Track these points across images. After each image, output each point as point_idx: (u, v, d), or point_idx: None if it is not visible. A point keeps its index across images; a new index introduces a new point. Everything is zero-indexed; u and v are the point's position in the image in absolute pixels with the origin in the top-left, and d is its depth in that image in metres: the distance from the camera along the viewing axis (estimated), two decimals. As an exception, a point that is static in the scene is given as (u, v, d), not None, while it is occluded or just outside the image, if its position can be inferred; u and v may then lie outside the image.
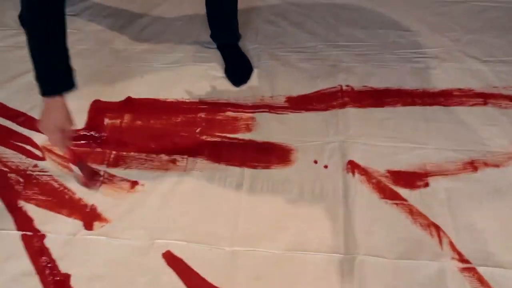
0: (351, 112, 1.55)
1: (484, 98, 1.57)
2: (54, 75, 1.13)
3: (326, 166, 1.42)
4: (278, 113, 1.56)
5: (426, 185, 1.37)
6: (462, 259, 1.21)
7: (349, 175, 1.39)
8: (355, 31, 1.81)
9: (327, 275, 1.20)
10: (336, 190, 1.36)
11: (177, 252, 1.25)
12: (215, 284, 1.19)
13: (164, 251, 1.25)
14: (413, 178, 1.39)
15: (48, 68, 1.12)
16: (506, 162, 1.40)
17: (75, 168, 1.33)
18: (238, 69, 1.68)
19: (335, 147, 1.46)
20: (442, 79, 1.63)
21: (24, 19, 1.28)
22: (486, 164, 1.39)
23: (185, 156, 1.45)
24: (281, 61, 1.71)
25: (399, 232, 1.27)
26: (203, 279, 1.20)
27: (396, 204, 1.33)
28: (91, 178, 1.37)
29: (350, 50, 1.74)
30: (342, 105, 1.57)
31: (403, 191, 1.36)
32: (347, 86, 1.63)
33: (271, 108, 1.57)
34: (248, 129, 1.52)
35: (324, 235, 1.27)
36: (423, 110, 1.54)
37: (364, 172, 1.40)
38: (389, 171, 1.40)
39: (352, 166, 1.41)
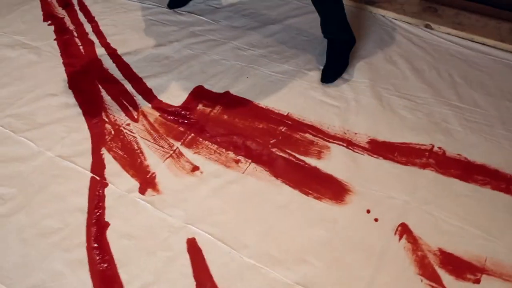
0: (431, 175, 1.44)
1: None
2: None
3: (376, 219, 1.35)
4: (354, 151, 1.52)
5: (477, 281, 1.22)
6: None
7: (395, 237, 1.31)
8: (477, 95, 1.66)
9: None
10: (374, 247, 1.29)
11: (200, 243, 1.32)
12: (219, 285, 1.23)
13: (190, 237, 1.33)
14: (465, 268, 1.25)
15: None
16: None
17: None
18: (329, 67, 1.74)
19: (395, 204, 1.38)
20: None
21: None
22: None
23: (249, 161, 1.50)
24: (383, 102, 1.65)
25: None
26: (210, 276, 1.25)
27: (432, 287, 1.22)
28: None
29: (461, 113, 1.60)
30: (424, 166, 1.47)
31: (447, 278, 1.23)
32: (439, 148, 1.51)
33: (350, 144, 1.54)
34: (319, 156, 1.51)
35: (340, 285, 1.22)
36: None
37: (413, 240, 1.30)
38: (440, 250, 1.28)
39: (403, 230, 1.32)
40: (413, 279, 1.23)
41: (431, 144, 1.53)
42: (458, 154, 1.50)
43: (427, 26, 1.94)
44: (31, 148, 1.56)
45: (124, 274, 1.26)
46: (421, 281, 1.23)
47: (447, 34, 1.89)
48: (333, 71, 1.73)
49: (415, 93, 1.68)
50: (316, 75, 1.75)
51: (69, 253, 1.30)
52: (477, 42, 1.84)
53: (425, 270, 1.24)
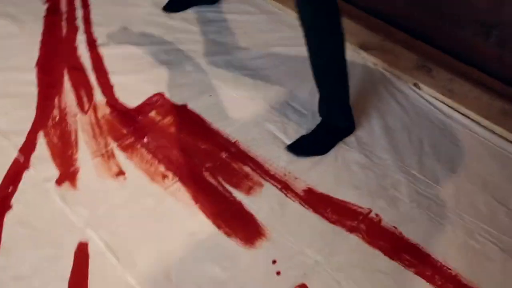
0: (354, 242, 1.33)
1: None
2: None
3: (278, 273, 1.26)
4: (287, 196, 1.43)
5: None
6: None
7: (292, 296, 1.21)
8: (440, 169, 1.53)
9: None
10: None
11: (91, 248, 1.27)
12: None
13: (83, 241, 1.27)
14: None
15: None
16: None
17: None
18: (308, 141, 1.57)
19: (305, 262, 1.28)
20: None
21: None
22: None
23: (176, 179, 1.44)
24: (338, 153, 1.55)
25: None
26: (86, 286, 1.19)
27: None
28: None
29: (415, 185, 1.48)
30: (352, 230, 1.36)
31: None
32: (376, 215, 1.40)
33: (285, 187, 1.45)
34: (248, 192, 1.43)
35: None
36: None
37: (306, 306, 1.19)
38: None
39: (301, 291, 1.22)
40: None
41: (369, 208, 1.41)
42: (394, 227, 1.38)
43: (415, 85, 1.82)
44: (-26, 115, 1.56)
45: (2, 261, 1.22)
46: None
47: (434, 98, 1.77)
48: (307, 148, 1.54)
49: (376, 152, 1.57)
50: (281, 109, 1.68)
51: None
52: (461, 113, 1.71)
53: None
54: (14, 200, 1.35)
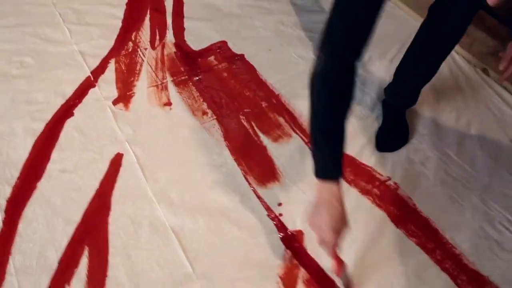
0: (364, 202, 1.35)
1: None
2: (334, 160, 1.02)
3: (280, 215, 1.33)
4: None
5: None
6: None
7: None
8: (480, 154, 1.47)
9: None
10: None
11: (124, 160, 1.44)
12: (112, 198, 1.35)
13: (120, 152, 1.45)
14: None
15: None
16: None
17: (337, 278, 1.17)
18: (391, 134, 1.51)
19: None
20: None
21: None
22: None
23: (215, 117, 1.56)
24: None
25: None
26: (112, 188, 1.37)
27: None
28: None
29: (446, 165, 1.44)
30: (366, 192, 1.37)
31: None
32: (395, 183, 1.39)
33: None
34: (276, 140, 1.51)
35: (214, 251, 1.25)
36: None
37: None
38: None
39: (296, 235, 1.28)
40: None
41: (389, 176, 1.41)
42: (409, 198, 1.37)
43: (484, 70, 1.73)
44: (66, 37, 1.82)
45: (55, 155, 1.44)
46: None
47: (501, 87, 1.67)
48: (393, 143, 1.49)
49: (416, 125, 1.55)
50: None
51: (33, 121, 1.52)
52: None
53: (288, 277, 1.20)
54: (76, 110, 1.57)
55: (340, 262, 1.09)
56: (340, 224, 1.01)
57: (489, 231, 1.30)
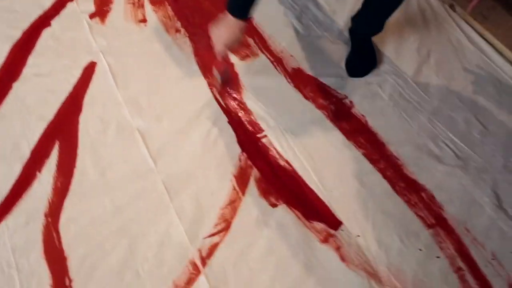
0: (319, 116, 1.45)
1: None
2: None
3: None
4: (276, 68, 1.56)
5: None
6: None
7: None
8: (435, 81, 1.55)
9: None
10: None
11: (98, 68, 1.52)
12: (85, 100, 1.44)
13: (93, 60, 1.53)
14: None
15: None
16: None
17: (216, 72, 1.44)
18: (360, 60, 1.59)
19: (267, 123, 1.43)
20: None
21: None
22: None
23: (187, 35, 1.63)
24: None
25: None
26: (84, 92, 1.46)
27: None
28: (225, 86, 1.47)
29: (401, 87, 1.53)
30: (322, 107, 1.47)
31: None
32: (351, 102, 1.49)
33: (278, 61, 1.57)
34: (243, 58, 1.58)
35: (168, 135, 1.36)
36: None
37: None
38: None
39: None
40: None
41: (345, 95, 1.50)
42: (362, 115, 1.46)
43: (451, 6, 1.80)
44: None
45: (31, 61, 1.52)
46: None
47: (464, 21, 1.74)
48: (362, 68, 1.58)
49: (378, 53, 1.63)
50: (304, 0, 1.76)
51: (10, 29, 1.59)
52: (485, 39, 1.67)
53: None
54: (53, 21, 1.63)
55: (224, 63, 1.39)
56: (234, 43, 1.28)
57: (432, 147, 1.40)
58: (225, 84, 1.47)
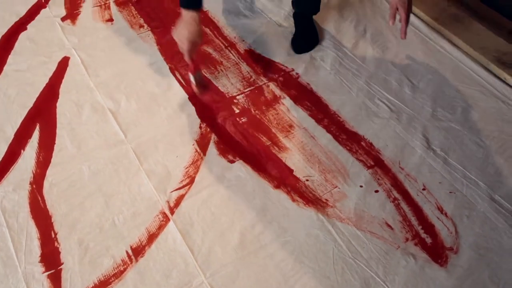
0: (270, 87, 1.64)
1: None
2: None
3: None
4: (230, 51, 1.76)
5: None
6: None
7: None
8: (373, 50, 1.76)
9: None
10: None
11: (71, 62, 1.70)
12: (60, 92, 1.62)
13: (67, 56, 1.72)
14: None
15: None
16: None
17: (191, 76, 1.52)
18: (303, 37, 1.79)
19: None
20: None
21: None
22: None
23: (149, 29, 1.83)
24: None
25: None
26: (59, 84, 1.64)
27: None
28: (201, 87, 1.55)
29: (340, 58, 1.74)
30: (271, 79, 1.66)
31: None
32: (297, 74, 1.69)
33: (231, 46, 1.78)
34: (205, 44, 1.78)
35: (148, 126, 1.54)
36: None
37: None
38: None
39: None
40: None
41: (293, 68, 1.70)
42: (307, 83, 1.66)
43: None
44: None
45: (11, 59, 1.70)
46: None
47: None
48: (306, 44, 1.77)
49: (321, 30, 1.84)
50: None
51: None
52: (414, 14, 1.89)
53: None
54: (29, 25, 1.82)
55: (196, 64, 1.49)
56: (196, 37, 1.39)
57: (369, 105, 1.60)
58: (201, 86, 1.55)
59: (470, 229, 1.28)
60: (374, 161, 1.45)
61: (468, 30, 1.79)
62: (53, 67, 1.68)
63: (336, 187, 1.38)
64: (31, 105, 1.56)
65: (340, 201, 1.35)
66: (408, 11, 1.47)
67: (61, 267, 1.21)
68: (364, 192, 1.38)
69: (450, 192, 1.37)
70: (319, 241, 1.27)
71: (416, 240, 1.27)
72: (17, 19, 1.84)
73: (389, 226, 1.30)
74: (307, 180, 1.40)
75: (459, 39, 1.76)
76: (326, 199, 1.36)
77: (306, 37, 1.78)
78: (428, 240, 1.27)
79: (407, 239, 1.27)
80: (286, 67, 1.71)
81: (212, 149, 1.47)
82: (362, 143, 1.50)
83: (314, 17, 1.83)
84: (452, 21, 1.83)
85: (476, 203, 1.34)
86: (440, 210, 1.33)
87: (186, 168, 1.42)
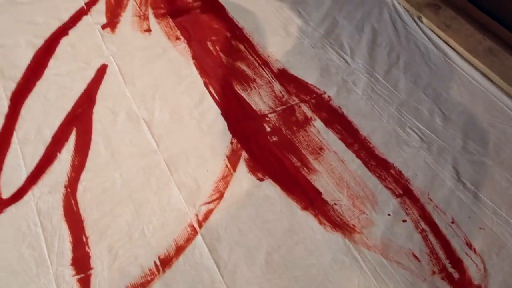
0: (302, 108, 1.66)
1: None
2: None
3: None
4: (263, 69, 1.79)
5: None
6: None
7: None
8: (404, 80, 1.77)
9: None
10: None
11: (109, 70, 1.74)
12: (97, 98, 1.66)
13: (105, 63, 1.76)
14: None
15: None
16: None
17: None
18: None
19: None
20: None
21: None
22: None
23: (186, 42, 1.86)
24: (317, 45, 1.87)
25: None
26: (96, 91, 1.68)
27: (227, 167, 1.49)
28: None
29: (372, 84, 1.75)
30: (304, 101, 1.69)
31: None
32: (329, 97, 1.71)
33: (264, 64, 1.80)
34: (236, 60, 1.81)
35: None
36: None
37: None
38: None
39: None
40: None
41: (324, 91, 1.72)
42: (339, 107, 1.68)
43: (419, 18, 2.04)
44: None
45: (52, 63, 1.75)
46: (224, 160, 1.50)
47: (430, 30, 1.98)
48: None
49: (354, 56, 1.86)
50: (290, 11, 2.01)
51: (34, 37, 1.82)
52: (449, 46, 1.91)
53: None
54: (71, 31, 1.87)
55: None
56: None
57: (400, 132, 1.61)
58: None
59: (499, 267, 1.28)
60: (403, 190, 1.46)
61: (503, 64, 1.80)
62: (91, 74, 1.72)
63: (364, 213, 1.39)
64: (69, 109, 1.60)
65: (367, 228, 1.36)
66: None
67: (90, 271, 1.23)
68: (391, 220, 1.38)
69: (480, 228, 1.36)
70: (345, 267, 1.28)
71: (443, 274, 1.27)
72: (60, 24, 1.89)
73: (415, 257, 1.30)
74: (335, 204, 1.41)
75: (493, 72, 1.77)
76: (353, 225, 1.36)
77: None
78: (456, 275, 1.27)
79: (434, 272, 1.27)
80: (319, 89, 1.73)
81: (242, 165, 1.49)
82: (392, 171, 1.50)
83: (349, 41, 1.85)
84: (487, 54, 1.84)
85: (506, 241, 1.34)
86: (469, 245, 1.33)
87: (216, 182, 1.44)
